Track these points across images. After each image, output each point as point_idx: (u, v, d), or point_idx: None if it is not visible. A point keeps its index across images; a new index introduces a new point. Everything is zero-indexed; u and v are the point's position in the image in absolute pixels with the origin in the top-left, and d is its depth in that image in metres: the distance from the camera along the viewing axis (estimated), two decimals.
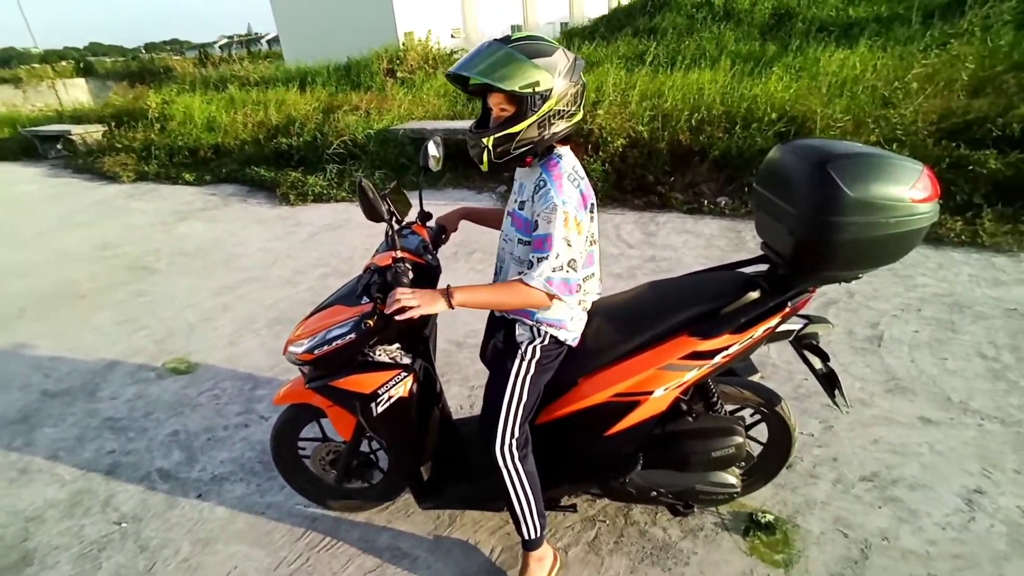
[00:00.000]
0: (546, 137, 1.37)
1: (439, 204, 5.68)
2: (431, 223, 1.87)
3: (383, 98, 8.68)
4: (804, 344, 1.63)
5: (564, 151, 1.44)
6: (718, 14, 12.57)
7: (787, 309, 1.51)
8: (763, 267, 1.65)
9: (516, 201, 1.50)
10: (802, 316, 1.64)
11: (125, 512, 2.17)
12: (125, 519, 2.13)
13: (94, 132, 9.64)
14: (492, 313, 1.76)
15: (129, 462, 2.43)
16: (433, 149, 1.77)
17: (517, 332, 1.53)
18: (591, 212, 1.44)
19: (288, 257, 4.66)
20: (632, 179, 5.33)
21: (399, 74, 11.09)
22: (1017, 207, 3.93)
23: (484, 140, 1.37)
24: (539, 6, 24.05)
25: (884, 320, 2.99)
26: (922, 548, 1.76)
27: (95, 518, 2.14)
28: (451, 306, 1.36)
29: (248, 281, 4.22)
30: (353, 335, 1.52)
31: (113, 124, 9.65)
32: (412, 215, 1.83)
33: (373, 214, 1.39)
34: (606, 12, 19.59)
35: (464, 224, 1.90)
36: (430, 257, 1.66)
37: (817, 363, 1.63)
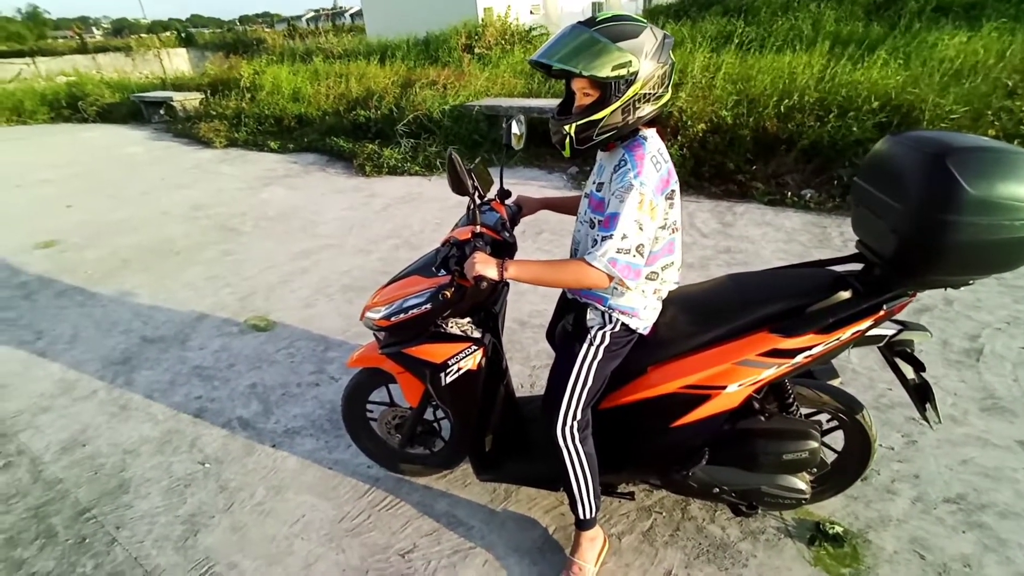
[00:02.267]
0: (630, 122, 1.33)
1: (511, 182, 5.63)
2: (510, 201, 1.87)
3: (460, 74, 8.72)
4: (897, 351, 1.52)
5: (649, 133, 1.39)
6: None
7: (881, 312, 1.40)
8: (856, 266, 1.54)
9: (594, 183, 1.47)
10: (896, 321, 1.53)
11: (208, 454, 2.35)
12: (208, 460, 2.32)
13: (192, 99, 10.31)
14: (564, 295, 1.75)
15: (213, 408, 2.63)
16: (516, 127, 1.76)
17: (588, 316, 1.51)
18: (670, 198, 1.39)
19: (362, 227, 4.83)
20: (711, 166, 5.11)
21: (476, 50, 11.10)
22: None
23: (566, 127, 1.35)
24: None
25: (985, 333, 2.73)
26: None
27: (182, 456, 2.35)
28: (501, 277, 1.36)
29: (324, 247, 4.42)
30: (429, 305, 1.56)
31: (209, 92, 10.28)
32: (492, 192, 1.84)
33: (459, 187, 1.41)
34: None
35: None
36: (507, 235, 1.67)
37: (910, 373, 1.52)
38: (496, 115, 6.79)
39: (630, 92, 1.28)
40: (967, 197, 1.17)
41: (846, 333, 1.42)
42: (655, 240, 1.40)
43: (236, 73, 10.36)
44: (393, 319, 1.62)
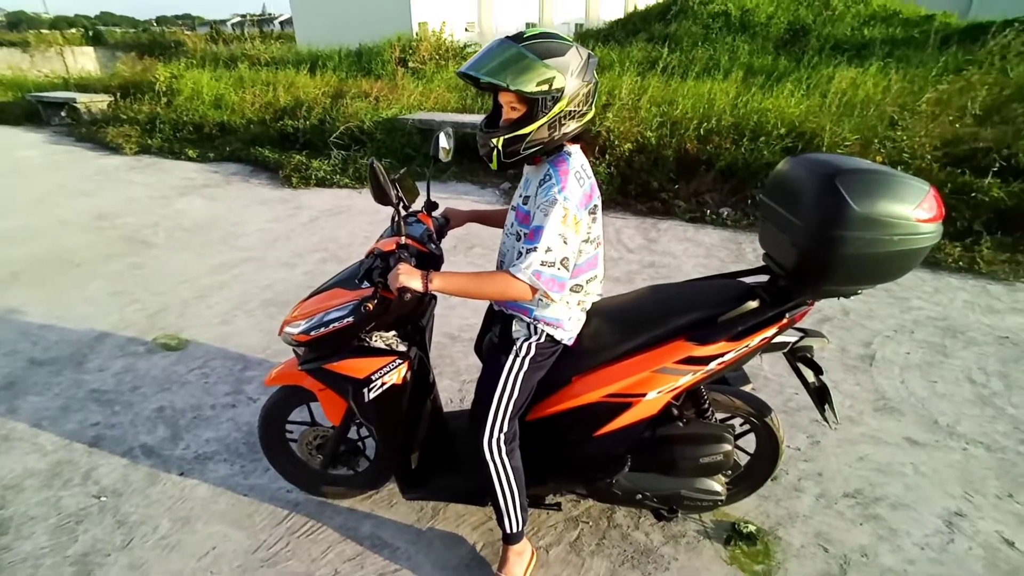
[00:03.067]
0: (556, 137, 1.36)
1: (443, 197, 5.64)
2: (437, 213, 1.86)
3: (393, 87, 8.65)
4: (799, 357, 1.63)
5: (574, 149, 1.43)
6: (734, 25, 12.56)
7: (784, 320, 1.51)
8: (764, 278, 1.65)
9: (520, 196, 1.50)
10: (799, 329, 1.64)
11: (105, 486, 2.15)
12: (105, 493, 2.12)
13: (99, 102, 9.59)
14: (491, 307, 1.75)
15: (113, 436, 2.42)
16: (444, 140, 1.77)
17: (514, 328, 1.52)
18: (593, 213, 1.43)
19: (287, 239, 4.64)
20: (637, 184, 5.33)
21: (411, 64, 11.06)
22: (1016, 236, 3.94)
23: (494, 140, 1.36)
24: (555, 5, 24.02)
25: (877, 340, 3.00)
26: (900, 567, 1.77)
27: (74, 490, 2.13)
28: (426, 289, 1.35)
29: (245, 261, 4.20)
30: (351, 319, 1.51)
31: (119, 95, 9.60)
32: (419, 204, 1.82)
33: (382, 197, 1.38)
34: (622, 15, 19.59)
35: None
36: (434, 247, 1.66)
37: (810, 376, 1.63)
38: (430, 128, 6.76)
39: (556, 109, 1.32)
40: (853, 214, 1.28)
41: (754, 340, 1.50)
42: (579, 253, 1.43)
43: (151, 76, 9.74)
44: (313, 333, 1.56)
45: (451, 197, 5.69)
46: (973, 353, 2.87)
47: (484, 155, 1.43)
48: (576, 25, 24.62)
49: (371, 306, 1.44)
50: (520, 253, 1.35)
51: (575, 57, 1.31)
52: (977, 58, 5.81)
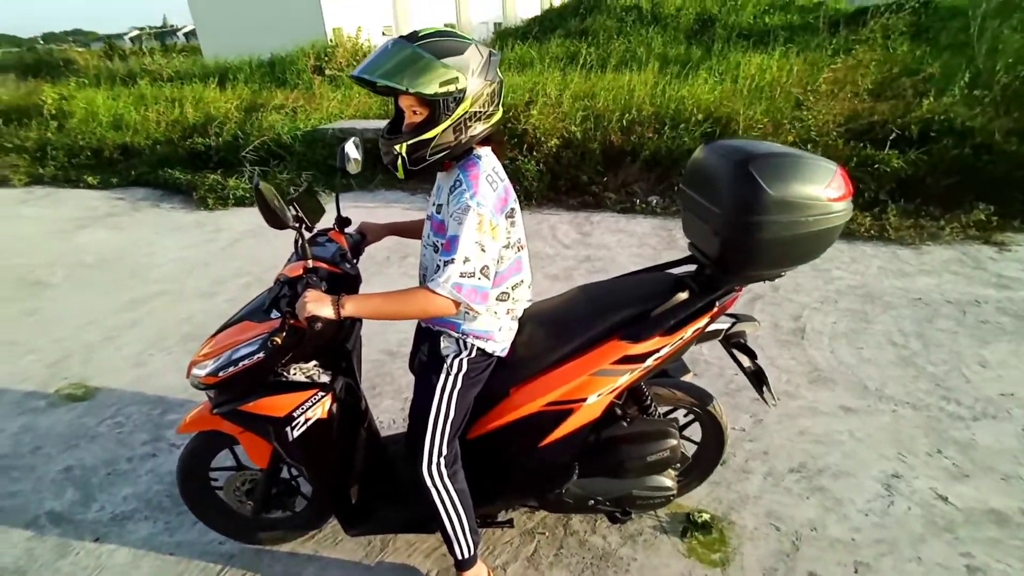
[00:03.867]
0: (463, 141, 1.29)
1: (370, 207, 5.48)
2: (351, 229, 1.74)
3: (311, 96, 8.32)
4: (733, 343, 1.64)
5: (484, 152, 1.37)
6: (646, 18, 12.93)
7: (715, 309, 1.50)
8: (691, 268, 1.65)
9: (434, 204, 1.41)
10: (730, 315, 1.65)
11: (5, 565, 1.90)
12: (5, 574, 1.87)
13: None
14: (419, 324, 1.66)
15: (12, 506, 2.15)
16: (352, 150, 1.66)
17: (442, 345, 1.44)
18: (511, 216, 1.37)
19: (205, 266, 4.34)
20: (566, 179, 5.35)
21: (327, 71, 10.68)
22: (917, 203, 4.23)
23: (396, 147, 1.28)
24: (472, 6, 23.92)
25: (806, 313, 3.12)
26: (848, 536, 1.82)
27: None
28: (338, 315, 1.25)
29: (159, 294, 3.88)
30: (261, 354, 1.38)
31: (0, 122, 8.72)
32: (328, 222, 1.70)
33: (275, 221, 1.26)
34: (539, 13, 19.78)
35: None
36: (348, 266, 1.54)
37: (745, 361, 1.64)
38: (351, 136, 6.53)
39: (459, 110, 1.24)
40: (768, 198, 1.29)
41: (687, 332, 1.49)
42: (500, 260, 1.36)
43: (37, 99, 8.91)
44: (222, 374, 1.41)
45: (380, 206, 5.52)
46: (891, 316, 3.03)
47: (388, 163, 1.34)
48: (495, 24, 24.67)
49: (279, 340, 1.31)
50: (438, 267, 1.27)
51: (475, 55, 1.24)
52: (860, 38, 6.17)
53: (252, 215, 5.55)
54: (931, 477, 2.02)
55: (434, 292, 1.25)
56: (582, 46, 11.47)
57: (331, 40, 12.85)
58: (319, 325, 1.22)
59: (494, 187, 1.31)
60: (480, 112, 1.28)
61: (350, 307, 1.26)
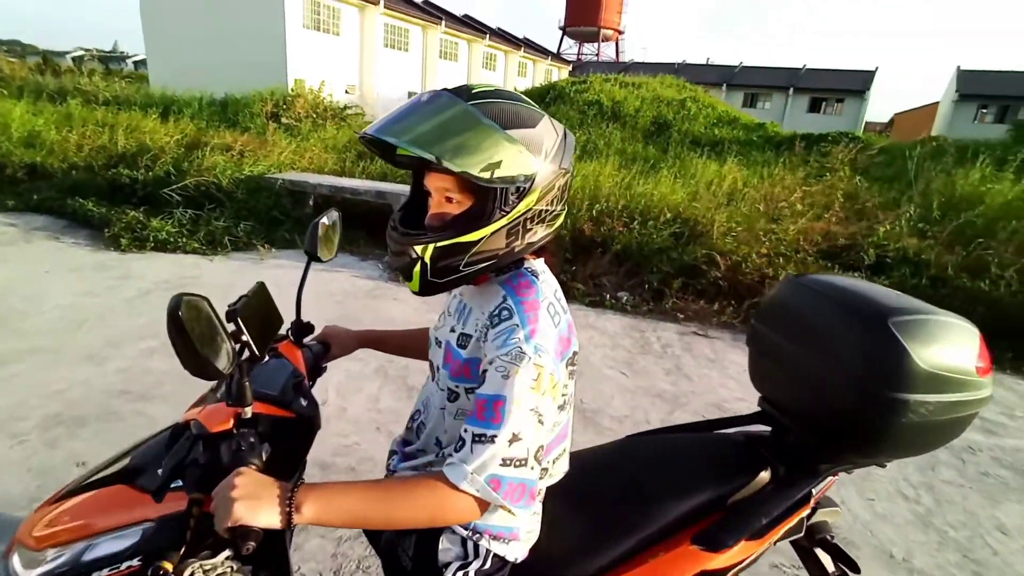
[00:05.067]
0: (516, 250, 0.88)
1: (315, 268, 4.90)
2: (311, 339, 1.25)
3: (262, 142, 7.79)
4: (817, 540, 1.23)
5: (539, 266, 0.95)
6: (607, 114, 13.58)
7: (811, 503, 1.11)
8: (761, 428, 1.27)
9: (451, 328, 0.97)
10: None
11: None
12: None
13: None
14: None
15: None
16: (327, 225, 1.21)
17: (441, 547, 0.94)
18: (573, 364, 0.94)
19: (101, 320, 3.57)
20: None
21: (284, 120, 10.24)
22: None
23: (418, 248, 0.85)
24: (439, 77, 24.62)
25: None
26: None
27: None
28: (287, 524, 0.73)
29: (30, 352, 3.09)
30: (138, 560, 0.82)
31: None
32: (283, 326, 1.20)
33: (199, 366, 0.76)
34: None
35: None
36: (303, 403, 1.04)
37: (830, 566, 1.23)
38: (302, 191, 6.03)
39: (522, 206, 0.84)
40: (918, 372, 0.95)
41: (778, 533, 1.08)
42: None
43: None
44: None
45: (324, 269, 4.95)
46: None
47: (399, 268, 0.90)
48: None
49: (169, 567, 0.76)
50: (462, 442, 0.81)
51: (549, 131, 0.86)
52: (830, 165, 6.52)
53: (174, 262, 4.84)
54: None
55: (456, 488, 0.78)
56: None
57: (292, 89, 12.52)
58: (251, 545, 0.71)
59: (556, 322, 0.88)
60: (546, 211, 0.88)
61: (310, 511, 0.74)
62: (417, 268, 0.87)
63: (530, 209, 0.85)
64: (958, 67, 30.56)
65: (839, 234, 4.96)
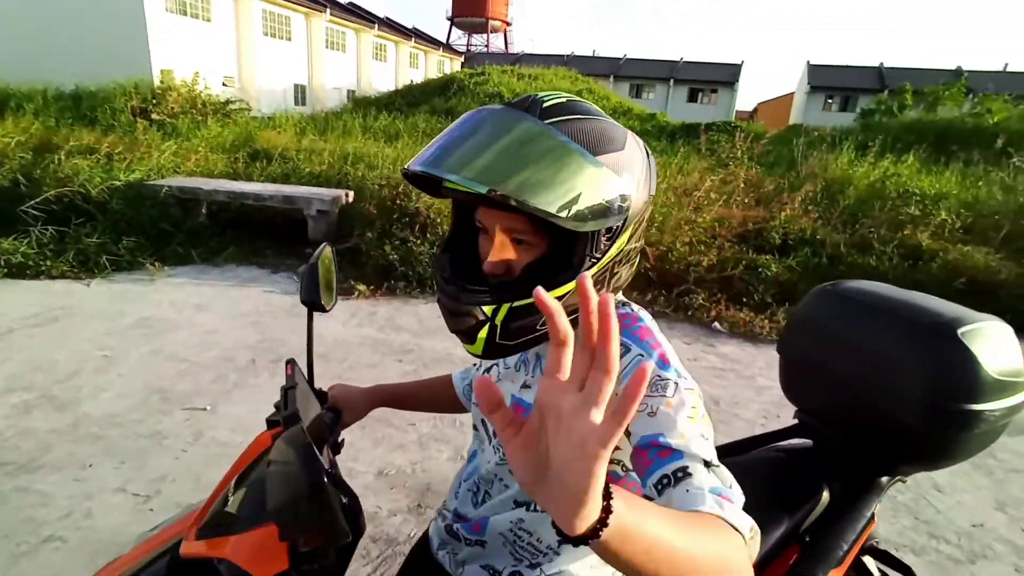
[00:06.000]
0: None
1: (219, 285, 4.37)
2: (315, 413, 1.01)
3: (132, 143, 6.81)
4: (866, 547, 1.21)
5: (624, 300, 0.81)
6: None
7: (875, 521, 1.08)
8: (800, 441, 1.23)
9: (524, 384, 0.81)
10: None
11: None
12: None
13: None
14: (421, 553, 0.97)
15: None
16: (325, 266, 0.98)
17: None
18: None
19: None
20: None
21: (155, 116, 9.06)
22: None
23: (486, 309, 0.68)
24: (326, 69, 23.26)
25: (757, 430, 2.93)
26: None
27: None
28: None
29: None
30: None
31: None
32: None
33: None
34: (396, 87, 19.87)
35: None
36: (343, 500, 0.81)
37: (875, 573, 1.22)
38: (194, 198, 5.35)
39: (614, 249, 0.69)
40: (988, 380, 0.93)
41: (854, 556, 1.04)
42: None
43: None
44: None
45: (232, 286, 4.42)
46: None
47: (456, 328, 0.72)
48: (349, 91, 24.24)
49: None
50: (661, 490, 0.59)
51: (636, 152, 0.70)
52: (733, 155, 6.89)
53: (37, 292, 4.06)
54: None
55: (730, 526, 0.53)
56: (447, 124, 11.54)
57: (160, 82, 11.15)
58: None
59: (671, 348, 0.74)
60: (633, 250, 0.74)
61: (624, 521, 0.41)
62: (484, 330, 0.69)
63: (621, 251, 0.70)
64: (808, 62, 34.35)
65: (748, 219, 5.27)
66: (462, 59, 38.65)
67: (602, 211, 0.64)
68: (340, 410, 1.02)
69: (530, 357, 0.82)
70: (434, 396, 1.13)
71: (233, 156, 7.00)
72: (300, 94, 22.08)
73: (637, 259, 0.78)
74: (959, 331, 0.94)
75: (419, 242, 4.76)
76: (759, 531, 0.57)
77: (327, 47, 23.52)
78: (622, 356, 0.68)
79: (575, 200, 0.62)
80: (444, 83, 15.05)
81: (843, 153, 7.84)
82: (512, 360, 0.84)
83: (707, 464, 0.59)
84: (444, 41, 43.33)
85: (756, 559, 0.56)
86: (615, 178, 0.65)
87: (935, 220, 5.49)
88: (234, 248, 5.09)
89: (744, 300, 4.57)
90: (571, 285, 0.67)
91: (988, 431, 0.97)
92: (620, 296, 0.80)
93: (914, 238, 5.24)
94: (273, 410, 0.96)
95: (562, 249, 0.68)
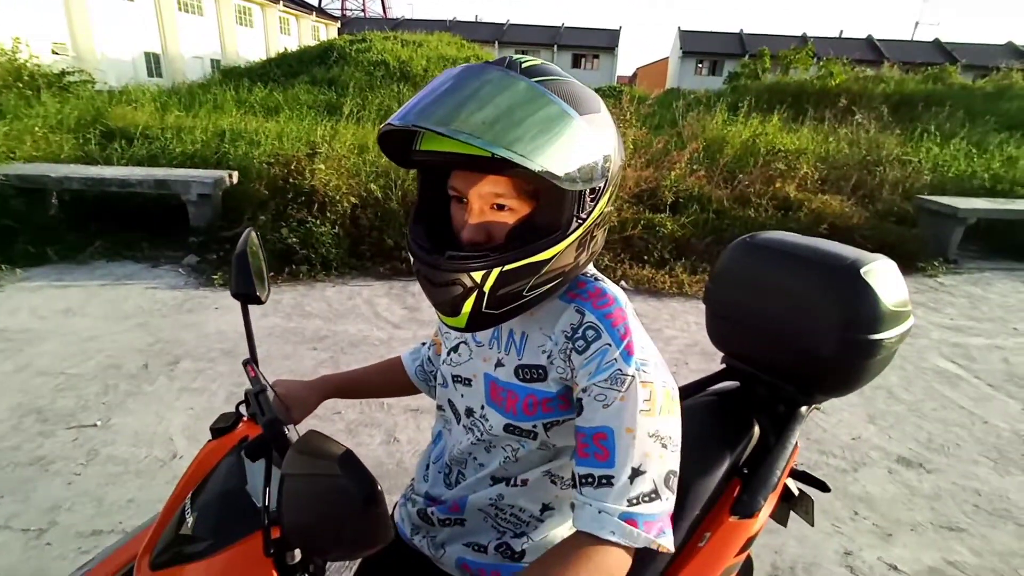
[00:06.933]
0: (582, 263, 0.74)
1: (90, 286, 3.85)
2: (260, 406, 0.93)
3: None
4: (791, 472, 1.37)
5: (591, 268, 0.82)
6: (395, 75, 12.97)
7: (798, 447, 1.21)
8: (727, 384, 1.35)
9: (497, 362, 0.80)
10: None
11: None
12: None
13: None
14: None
15: None
16: (253, 253, 0.90)
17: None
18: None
19: None
20: (369, 244, 4.68)
21: None
22: (693, 260, 4.89)
23: (477, 276, 0.66)
24: (182, 35, 20.73)
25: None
26: None
27: None
28: None
29: None
30: None
31: None
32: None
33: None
34: (267, 56, 18.23)
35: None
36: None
37: (795, 491, 1.38)
38: (41, 187, 4.61)
39: (597, 210, 0.71)
40: (885, 312, 1.07)
41: (784, 479, 1.17)
42: None
43: None
44: None
45: (107, 285, 3.92)
46: None
47: (441, 304, 0.70)
48: (213, 60, 21.88)
49: None
50: (577, 484, 0.69)
51: (608, 114, 0.72)
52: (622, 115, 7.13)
53: None
54: None
55: (605, 543, 0.64)
56: (332, 96, 10.84)
57: None
58: None
59: (643, 329, 0.77)
60: (610, 212, 0.76)
61: None
62: (471, 300, 0.68)
63: (602, 213, 0.72)
64: (679, 28, 36.30)
65: (641, 179, 5.55)
66: (338, 25, 36.23)
67: (590, 171, 0.65)
68: (288, 407, 0.95)
69: (502, 333, 0.81)
70: (384, 381, 1.11)
71: (82, 136, 6.08)
72: (154, 63, 19.57)
73: (607, 224, 0.80)
74: (861, 270, 1.07)
75: (318, 222, 4.50)
76: (669, 533, 0.68)
77: (180, 9, 20.92)
78: (592, 340, 0.71)
79: (570, 161, 0.63)
80: (323, 50, 13.96)
81: (717, 114, 8.45)
82: (482, 336, 0.83)
83: (635, 473, 0.66)
84: (317, 5, 40.29)
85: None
86: (600, 138, 0.67)
87: (799, 173, 6.13)
88: (101, 242, 4.48)
89: (645, 258, 4.85)
90: (561, 246, 0.68)
91: (885, 356, 1.13)
92: (593, 270, 0.81)
93: (783, 190, 5.83)
94: (193, 420, 0.89)
95: (547, 211, 0.68)
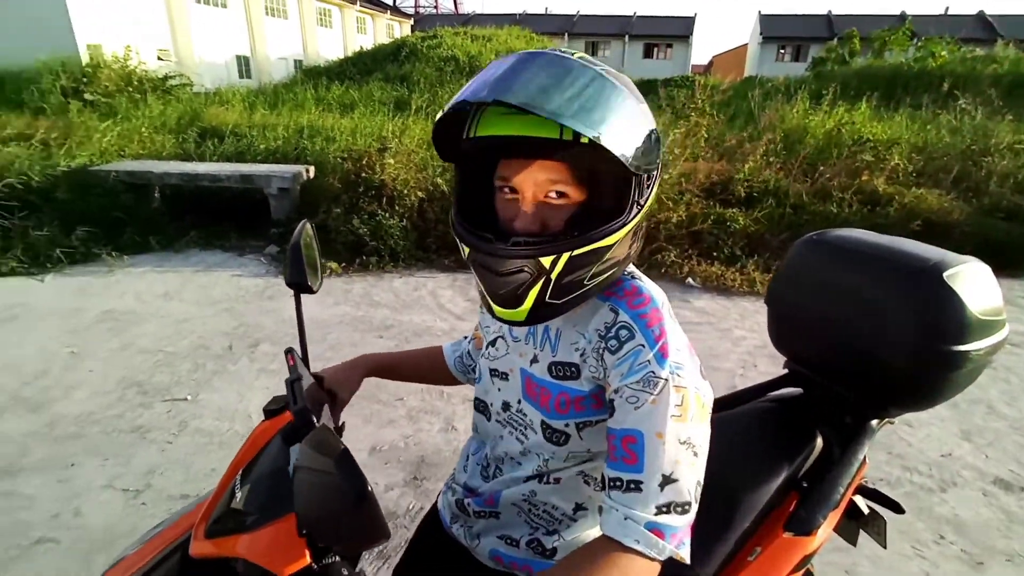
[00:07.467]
0: (632, 254, 0.73)
1: (185, 272, 4.21)
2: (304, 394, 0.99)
3: (68, 126, 6.37)
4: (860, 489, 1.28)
5: (632, 269, 0.81)
6: (464, 70, 13.18)
7: (867, 463, 1.14)
8: (791, 390, 1.28)
9: (533, 358, 0.81)
10: None
11: None
12: None
13: None
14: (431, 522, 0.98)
15: None
16: (307, 247, 0.96)
17: None
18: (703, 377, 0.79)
19: None
20: (435, 237, 4.80)
21: (88, 96, 8.48)
22: (767, 257, 4.65)
23: (546, 261, 0.65)
24: (269, 38, 22.03)
25: (738, 381, 3.05)
26: None
27: None
28: None
29: None
30: None
31: None
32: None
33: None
34: (344, 55, 19.02)
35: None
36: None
37: (864, 510, 1.29)
38: (146, 183, 5.08)
39: (652, 197, 0.71)
40: (973, 322, 0.97)
41: (849, 497, 1.10)
42: None
43: None
44: None
45: (199, 272, 4.26)
46: None
47: (504, 294, 0.69)
48: (296, 61, 23.11)
49: None
50: (611, 488, 0.67)
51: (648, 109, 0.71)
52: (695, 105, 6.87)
53: None
54: None
55: (630, 551, 0.63)
56: (404, 92, 11.16)
57: (89, 58, 10.38)
58: None
59: (681, 330, 0.75)
60: (655, 200, 0.75)
61: None
62: (536, 289, 0.67)
63: (653, 204, 0.72)
64: (759, 12, 34.38)
65: (713, 172, 5.34)
66: (411, 22, 37.19)
67: (650, 155, 0.66)
68: (335, 392, 1.01)
69: (538, 328, 0.81)
70: (424, 368, 1.13)
71: (181, 136, 6.64)
72: (244, 66, 20.93)
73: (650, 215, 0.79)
74: (944, 274, 0.98)
75: (387, 215, 4.67)
76: (687, 543, 0.65)
77: (267, 13, 22.24)
78: (625, 340, 0.70)
79: (636, 144, 0.64)
80: (395, 48, 14.44)
81: (798, 103, 7.95)
82: (519, 331, 0.84)
83: (666, 481, 0.64)
84: (391, 3, 41.52)
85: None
86: (652, 124, 0.68)
87: (889, 165, 5.66)
88: (195, 232, 4.89)
89: (714, 254, 4.67)
90: (624, 231, 0.67)
91: (972, 370, 1.03)
92: (631, 267, 0.80)
93: (871, 183, 5.41)
94: (268, 399, 0.95)
95: (607, 196, 0.67)
